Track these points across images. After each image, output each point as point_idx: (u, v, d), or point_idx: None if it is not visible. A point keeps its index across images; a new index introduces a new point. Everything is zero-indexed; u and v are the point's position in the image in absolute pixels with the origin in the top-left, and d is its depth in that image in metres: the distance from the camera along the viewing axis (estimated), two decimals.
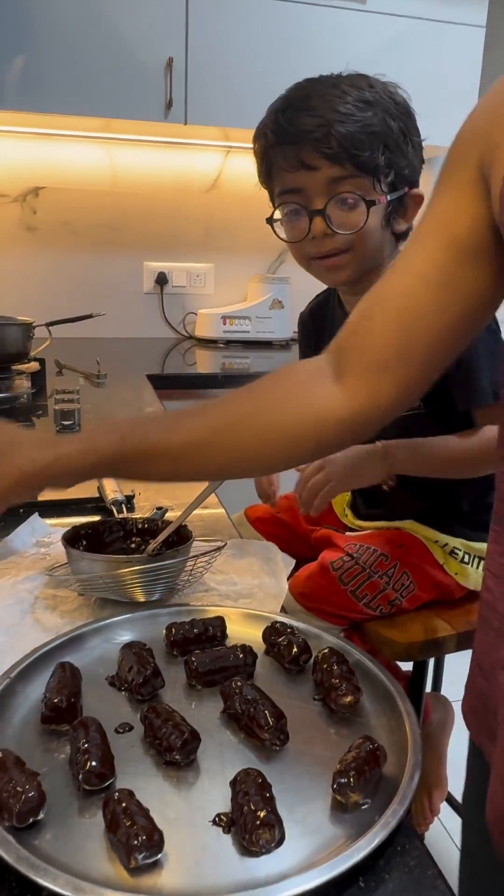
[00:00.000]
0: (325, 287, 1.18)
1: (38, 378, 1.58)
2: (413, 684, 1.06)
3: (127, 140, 2.28)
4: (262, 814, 0.43)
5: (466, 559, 1.05)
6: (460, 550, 1.05)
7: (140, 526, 0.78)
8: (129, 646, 0.59)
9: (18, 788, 0.43)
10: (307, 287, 2.64)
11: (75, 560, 0.69)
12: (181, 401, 1.83)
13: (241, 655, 0.59)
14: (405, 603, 1.02)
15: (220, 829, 0.44)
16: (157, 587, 0.68)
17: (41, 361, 1.62)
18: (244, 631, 0.64)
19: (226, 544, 0.75)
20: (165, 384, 1.81)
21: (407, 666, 1.10)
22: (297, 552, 1.15)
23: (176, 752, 0.48)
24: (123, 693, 0.56)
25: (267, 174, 0.99)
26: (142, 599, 0.68)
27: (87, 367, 1.79)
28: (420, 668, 1.05)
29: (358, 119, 0.90)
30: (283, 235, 1.01)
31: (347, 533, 1.14)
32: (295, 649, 0.59)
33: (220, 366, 2.08)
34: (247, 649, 0.59)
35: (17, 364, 1.54)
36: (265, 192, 1.06)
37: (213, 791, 0.47)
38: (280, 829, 0.43)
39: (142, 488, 1.00)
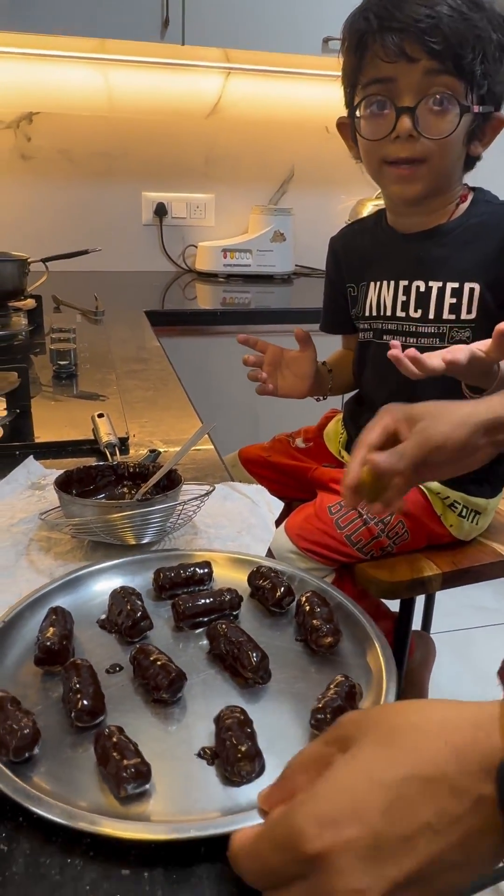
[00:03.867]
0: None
1: (35, 315, 1.57)
2: (399, 623, 1.09)
3: (123, 61, 2.18)
4: (243, 747, 0.46)
5: (464, 513, 1.07)
6: (459, 504, 1.06)
7: (131, 470, 0.79)
8: (118, 590, 0.61)
9: (14, 726, 0.46)
10: (310, 219, 2.56)
11: (67, 504, 0.71)
12: (181, 338, 1.82)
13: (226, 598, 0.60)
14: (396, 549, 1.04)
15: (205, 761, 0.47)
16: (148, 531, 0.70)
17: (38, 298, 1.60)
18: (230, 575, 0.66)
19: (214, 489, 0.76)
20: (164, 321, 1.80)
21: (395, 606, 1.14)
22: (290, 494, 1.17)
23: (163, 690, 0.50)
24: (114, 635, 0.58)
25: (356, 64, 0.94)
26: (132, 542, 0.70)
27: (84, 302, 1.78)
28: (406, 607, 1.08)
29: (467, 17, 0.87)
30: (361, 132, 0.96)
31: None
32: (278, 592, 0.61)
33: (220, 301, 2.05)
34: (232, 592, 0.61)
35: (13, 301, 1.53)
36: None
37: (198, 726, 0.50)
38: (260, 760, 0.46)
39: (136, 429, 1.01)
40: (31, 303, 1.55)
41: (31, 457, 0.88)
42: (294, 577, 0.65)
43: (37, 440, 0.96)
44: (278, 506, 0.83)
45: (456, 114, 0.90)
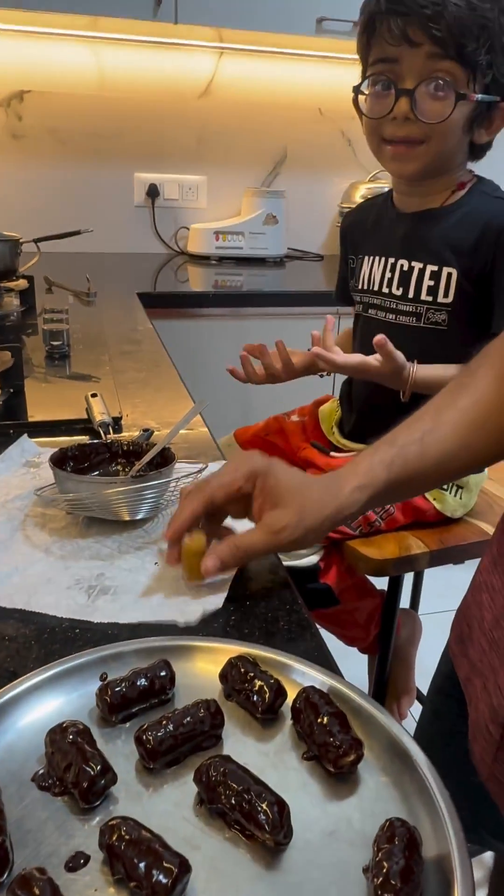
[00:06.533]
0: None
1: (27, 296, 1.58)
2: (388, 600, 1.11)
3: (115, 40, 2.17)
4: None
5: (446, 487, 1.09)
6: None
7: (125, 448, 0.80)
8: (57, 731, 0.44)
9: None
10: (302, 202, 2.55)
11: (62, 481, 0.72)
12: (172, 320, 1.82)
13: (204, 717, 0.45)
14: (384, 525, 1.06)
15: None
16: (142, 506, 0.71)
17: (30, 279, 1.60)
18: (194, 669, 0.52)
19: (207, 466, 0.77)
20: (156, 303, 1.80)
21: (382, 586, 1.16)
22: None
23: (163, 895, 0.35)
24: (61, 799, 0.42)
25: (366, 43, 0.98)
26: (127, 518, 0.71)
27: (76, 284, 1.78)
28: (394, 585, 1.10)
29: (474, 7, 0.89)
30: (364, 109, 1.00)
31: (332, 453, 1.17)
32: (268, 694, 0.47)
33: (212, 283, 2.05)
34: (210, 708, 0.46)
35: (6, 282, 1.53)
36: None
37: None
38: None
39: (129, 410, 1.03)
40: (23, 283, 1.56)
41: (25, 435, 0.89)
42: (272, 664, 0.50)
43: (30, 419, 0.97)
44: None
45: (451, 100, 0.92)
